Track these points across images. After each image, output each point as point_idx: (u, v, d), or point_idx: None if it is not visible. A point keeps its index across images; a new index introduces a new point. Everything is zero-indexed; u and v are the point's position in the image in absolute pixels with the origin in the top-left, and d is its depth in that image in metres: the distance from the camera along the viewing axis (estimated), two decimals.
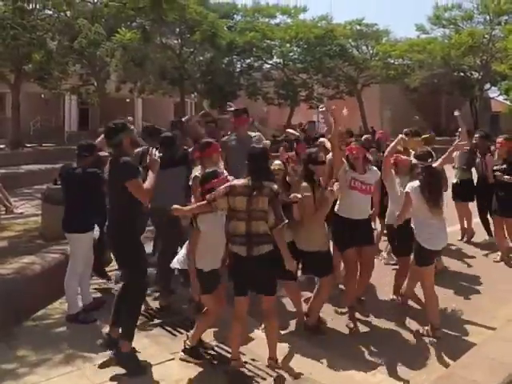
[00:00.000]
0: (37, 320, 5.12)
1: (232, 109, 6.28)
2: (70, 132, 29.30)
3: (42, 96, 27.88)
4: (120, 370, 4.08)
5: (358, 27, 29.23)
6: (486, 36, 26.77)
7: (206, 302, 4.22)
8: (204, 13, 20.38)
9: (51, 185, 6.98)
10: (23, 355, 4.38)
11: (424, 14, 34.50)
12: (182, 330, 4.88)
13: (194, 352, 4.30)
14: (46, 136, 25.09)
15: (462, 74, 30.25)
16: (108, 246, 5.04)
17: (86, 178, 5.13)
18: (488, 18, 27.35)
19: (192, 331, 4.38)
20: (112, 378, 4.01)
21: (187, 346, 4.32)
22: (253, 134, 5.95)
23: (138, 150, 5.91)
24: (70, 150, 18.92)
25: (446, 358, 4.40)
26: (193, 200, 4.53)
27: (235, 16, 28.42)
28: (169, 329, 4.96)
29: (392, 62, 28.63)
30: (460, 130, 7.32)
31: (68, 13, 17.01)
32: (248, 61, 28.49)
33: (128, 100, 30.77)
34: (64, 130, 29.70)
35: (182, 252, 4.27)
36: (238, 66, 28.73)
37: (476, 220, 8.04)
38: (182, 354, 4.30)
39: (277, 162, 5.11)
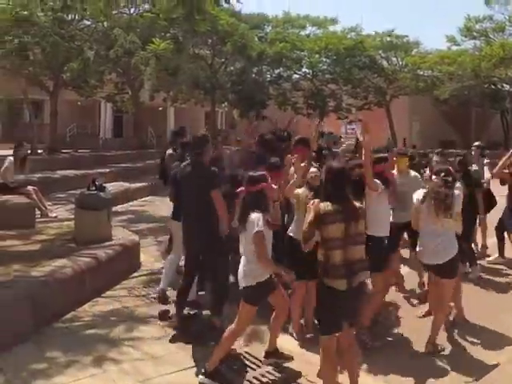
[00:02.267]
0: (67, 322, 5.20)
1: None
2: (105, 139, 29.86)
3: (79, 103, 28.57)
4: (142, 376, 4.10)
5: (388, 38, 28.89)
6: None
7: (246, 314, 4.07)
8: (235, 24, 20.48)
9: (85, 190, 7.10)
10: (52, 356, 4.45)
11: (455, 26, 33.88)
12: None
13: (216, 375, 4.07)
14: (81, 142, 25.64)
15: (492, 86, 29.67)
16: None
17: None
18: None
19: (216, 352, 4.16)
20: (136, 382, 4.05)
21: (207, 369, 4.08)
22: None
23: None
24: (104, 156, 19.52)
25: (468, 377, 4.27)
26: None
27: (266, 27, 28.51)
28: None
29: (422, 73, 28.23)
30: None
31: (105, 23, 17.40)
32: (277, 71, 28.53)
33: (161, 109, 31.23)
34: (99, 136, 30.28)
35: (243, 268, 4.06)
36: (268, 76, 28.78)
37: None
38: (202, 377, 4.07)
39: (313, 169, 5.00)
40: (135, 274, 6.86)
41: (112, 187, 12.77)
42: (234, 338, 4.21)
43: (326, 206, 3.66)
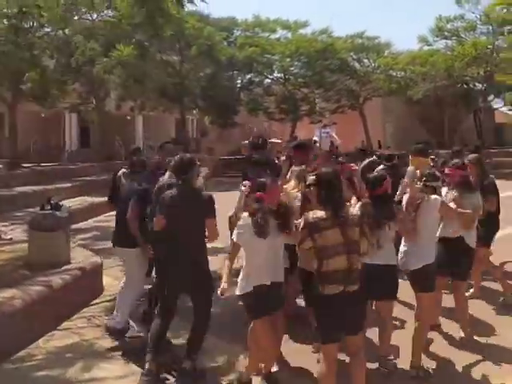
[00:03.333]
0: (17, 362, 4.65)
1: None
2: (71, 151, 28.95)
3: (43, 115, 27.67)
4: None
5: (360, 40, 28.92)
6: (490, 46, 26.37)
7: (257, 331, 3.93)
8: (201, 27, 19.94)
9: (38, 210, 6.54)
10: None
11: (426, 26, 34.08)
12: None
13: None
14: (45, 155, 24.76)
15: (465, 85, 29.85)
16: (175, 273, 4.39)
17: None
18: (491, 28, 27.00)
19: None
20: None
21: None
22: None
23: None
24: (68, 169, 18.80)
25: None
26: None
27: (235, 31, 28.17)
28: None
29: (394, 74, 28.26)
30: None
31: (66, 30, 16.76)
32: (248, 76, 28.21)
33: (129, 117, 30.51)
34: (64, 148, 29.35)
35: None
36: (239, 81, 28.43)
37: None
38: None
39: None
40: (97, 301, 6.33)
41: (74, 203, 12.21)
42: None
43: (314, 213, 3.60)
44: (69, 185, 14.40)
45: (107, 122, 23.67)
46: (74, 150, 29.29)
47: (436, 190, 4.48)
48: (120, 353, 4.80)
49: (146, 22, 9.82)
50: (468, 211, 4.78)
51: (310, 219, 3.56)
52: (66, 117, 29.28)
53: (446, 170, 5.18)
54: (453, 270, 4.94)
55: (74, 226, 10.73)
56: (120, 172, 6.62)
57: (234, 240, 3.97)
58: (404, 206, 4.40)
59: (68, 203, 12.31)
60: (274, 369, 4.29)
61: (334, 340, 3.61)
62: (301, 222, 3.70)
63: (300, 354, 4.66)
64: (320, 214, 3.56)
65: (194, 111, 30.54)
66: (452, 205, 4.73)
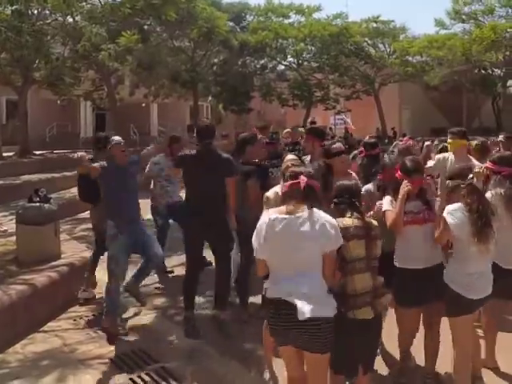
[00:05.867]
0: None
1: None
2: (86, 137, 28.70)
3: (58, 102, 27.42)
4: None
5: (375, 25, 27.98)
6: (510, 30, 25.23)
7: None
8: (200, 8, 18.97)
9: (26, 203, 6.10)
10: None
11: (443, 9, 32.92)
12: None
13: None
14: (61, 142, 24.58)
15: (483, 70, 28.78)
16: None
17: None
18: (510, 11, 25.86)
19: None
20: None
21: None
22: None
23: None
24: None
25: None
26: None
27: (248, 16, 27.42)
28: None
29: (410, 59, 27.30)
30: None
31: (78, 17, 16.28)
32: (262, 62, 27.51)
33: (144, 104, 30.12)
34: (79, 135, 29.13)
35: None
36: (252, 67, 27.74)
37: None
38: None
39: (290, 156, 4.61)
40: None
41: (76, 192, 11.78)
42: None
43: (342, 220, 3.14)
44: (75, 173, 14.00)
45: (122, 109, 23.29)
46: (90, 137, 29.06)
47: None
48: (102, 361, 4.35)
49: (146, 5, 9.29)
50: None
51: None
52: (81, 104, 29.05)
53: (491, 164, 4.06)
54: None
55: (76, 216, 10.43)
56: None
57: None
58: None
59: (75, 191, 12.07)
60: None
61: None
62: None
63: None
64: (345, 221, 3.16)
65: (209, 98, 30.01)
66: None
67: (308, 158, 5.24)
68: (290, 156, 4.63)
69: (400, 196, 3.63)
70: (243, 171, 4.90)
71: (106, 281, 4.93)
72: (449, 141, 5.37)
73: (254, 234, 2.99)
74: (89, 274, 5.80)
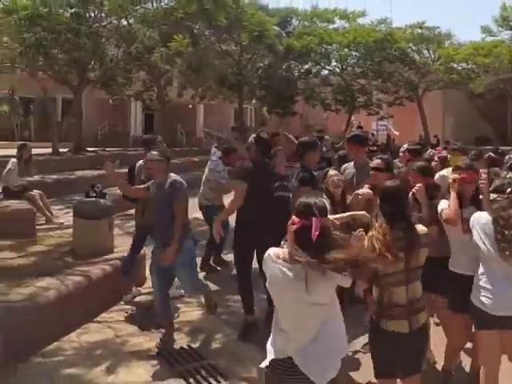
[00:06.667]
0: (46, 356, 4.29)
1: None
2: (135, 136, 29.24)
3: (110, 102, 28.04)
4: None
5: (419, 31, 27.32)
6: None
7: None
8: (250, 13, 18.89)
9: (83, 197, 6.22)
10: None
11: (490, 16, 31.91)
12: None
13: None
14: (112, 140, 25.09)
15: None
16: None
17: None
18: None
19: None
20: None
21: None
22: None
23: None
24: (129, 154, 18.81)
25: None
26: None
27: (293, 21, 27.31)
28: None
29: (455, 66, 26.52)
30: None
31: (130, 20, 16.60)
32: (306, 66, 27.35)
33: (190, 106, 30.45)
34: (129, 134, 29.70)
35: None
36: (296, 71, 27.61)
37: None
38: None
39: (332, 172, 4.40)
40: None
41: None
42: None
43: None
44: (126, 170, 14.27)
45: (170, 109, 23.62)
46: (139, 136, 29.59)
47: None
48: (151, 353, 4.38)
49: (199, 10, 9.37)
50: None
51: None
52: (132, 104, 29.63)
53: None
54: None
55: (127, 212, 10.59)
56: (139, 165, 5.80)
57: None
58: None
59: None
60: None
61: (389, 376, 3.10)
62: None
63: None
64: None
65: (253, 101, 30.05)
66: None
67: (351, 163, 5.21)
68: (333, 171, 4.46)
69: (452, 192, 3.51)
70: (302, 179, 4.55)
71: None
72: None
73: None
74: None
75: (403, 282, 2.92)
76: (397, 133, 12.44)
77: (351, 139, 5.29)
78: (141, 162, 5.68)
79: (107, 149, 20.71)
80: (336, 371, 2.51)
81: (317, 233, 2.34)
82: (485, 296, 3.24)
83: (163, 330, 4.66)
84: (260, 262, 4.85)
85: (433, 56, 27.93)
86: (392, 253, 2.78)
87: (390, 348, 2.97)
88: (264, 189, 4.68)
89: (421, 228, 3.05)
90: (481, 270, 3.34)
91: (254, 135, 5.26)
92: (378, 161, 4.45)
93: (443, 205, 3.65)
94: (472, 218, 3.38)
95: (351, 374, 4.05)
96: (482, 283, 3.29)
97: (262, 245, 4.66)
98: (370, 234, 2.87)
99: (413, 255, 2.92)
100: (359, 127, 13.32)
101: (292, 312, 2.47)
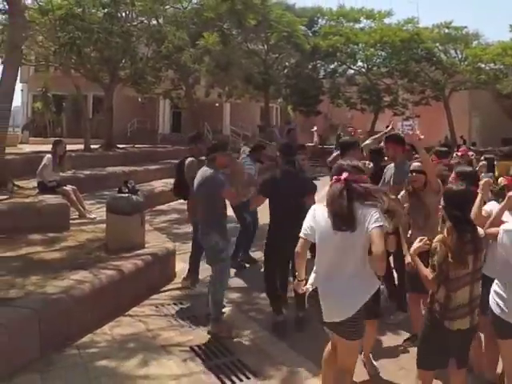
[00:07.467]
0: (81, 348, 4.33)
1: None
2: (163, 134, 29.50)
3: (139, 99, 28.31)
4: None
5: (446, 30, 26.84)
6: None
7: None
8: (279, 14, 18.87)
9: (116, 193, 6.27)
10: None
11: None
12: None
13: None
14: (141, 137, 25.33)
15: None
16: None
17: None
18: None
19: None
20: None
21: None
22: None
23: None
24: (158, 151, 18.98)
25: None
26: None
27: (320, 20, 27.11)
28: None
29: (483, 66, 25.95)
30: None
31: (160, 20, 16.73)
32: (332, 66, 27.14)
33: (217, 104, 30.55)
34: (157, 132, 29.97)
35: None
36: (322, 71, 27.43)
37: None
38: None
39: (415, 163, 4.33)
40: (169, 287, 5.97)
41: (155, 184, 12.12)
42: None
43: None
44: (158, 167, 14.43)
45: (197, 108, 23.72)
46: (167, 134, 29.87)
47: None
48: (182, 348, 4.39)
49: (229, 10, 9.39)
50: None
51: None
52: (160, 102, 29.87)
53: None
54: None
55: (155, 208, 10.68)
56: (188, 162, 5.79)
57: None
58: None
59: (154, 184, 12.39)
60: None
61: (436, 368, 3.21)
62: None
63: None
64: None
65: (279, 100, 29.95)
66: None
67: (392, 164, 5.16)
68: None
69: (505, 202, 3.31)
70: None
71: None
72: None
73: None
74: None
75: (469, 283, 2.99)
76: (422, 136, 11.98)
77: (389, 139, 5.32)
78: (190, 158, 5.73)
79: (136, 145, 20.92)
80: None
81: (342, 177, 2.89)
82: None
83: (193, 325, 4.70)
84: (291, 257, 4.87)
85: (460, 56, 27.40)
86: (465, 259, 2.89)
87: (448, 343, 3.04)
88: (285, 196, 4.69)
89: (480, 231, 3.09)
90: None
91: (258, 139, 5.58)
92: (418, 163, 4.38)
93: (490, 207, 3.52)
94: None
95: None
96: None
97: (289, 250, 4.62)
98: (440, 237, 2.98)
99: (478, 257, 2.99)
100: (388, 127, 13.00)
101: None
